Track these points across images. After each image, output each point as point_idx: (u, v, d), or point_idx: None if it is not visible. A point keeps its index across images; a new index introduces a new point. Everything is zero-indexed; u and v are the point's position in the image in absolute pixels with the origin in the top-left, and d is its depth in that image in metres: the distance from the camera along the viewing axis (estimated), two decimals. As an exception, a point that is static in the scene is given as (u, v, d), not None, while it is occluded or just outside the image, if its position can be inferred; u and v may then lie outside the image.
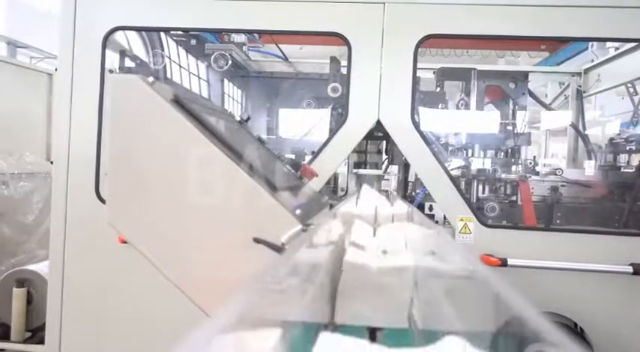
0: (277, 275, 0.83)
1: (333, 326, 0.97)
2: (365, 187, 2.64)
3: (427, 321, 0.99)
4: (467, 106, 3.84)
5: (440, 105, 3.94)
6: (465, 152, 3.89)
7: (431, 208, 3.34)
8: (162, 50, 3.80)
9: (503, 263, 2.64)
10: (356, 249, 1.16)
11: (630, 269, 2.62)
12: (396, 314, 1.03)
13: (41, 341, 3.17)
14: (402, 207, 1.90)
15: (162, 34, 3.77)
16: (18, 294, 3.55)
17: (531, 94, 4.25)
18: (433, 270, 1.12)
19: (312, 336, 0.73)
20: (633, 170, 3.63)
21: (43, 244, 4.29)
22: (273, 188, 1.48)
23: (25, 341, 3.62)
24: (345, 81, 2.84)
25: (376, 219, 1.60)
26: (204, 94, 4.55)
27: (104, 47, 2.86)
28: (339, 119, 3.17)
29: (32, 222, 4.57)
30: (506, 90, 3.91)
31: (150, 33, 3.68)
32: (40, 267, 3.70)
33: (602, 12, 2.67)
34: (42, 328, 3.19)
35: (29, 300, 3.63)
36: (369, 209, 1.68)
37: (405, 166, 3.72)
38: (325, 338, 0.72)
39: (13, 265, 4.10)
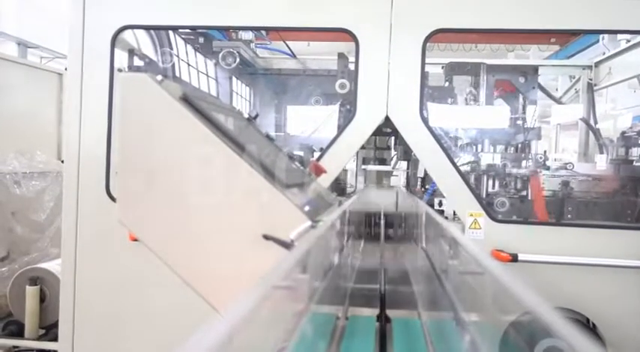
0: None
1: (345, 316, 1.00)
2: None
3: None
4: (476, 100, 3.81)
5: (449, 101, 3.92)
6: (474, 147, 3.86)
7: (440, 204, 3.33)
8: (171, 48, 3.81)
9: (514, 258, 2.62)
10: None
11: (643, 263, 2.59)
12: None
13: (55, 338, 3.20)
14: None
15: (171, 33, 3.78)
16: (31, 292, 3.60)
17: (542, 88, 4.21)
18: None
19: (329, 323, 0.74)
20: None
21: (55, 242, 4.33)
22: (282, 185, 1.48)
23: (39, 338, 3.66)
24: (353, 77, 2.83)
25: None
26: (213, 92, 4.57)
27: (113, 46, 2.87)
28: (348, 115, 3.17)
29: (44, 221, 4.61)
30: (516, 84, 3.88)
31: (158, 31, 3.69)
32: (53, 265, 3.74)
33: (612, 3, 2.64)
34: (55, 325, 3.22)
35: (42, 298, 3.67)
36: None
37: (414, 162, 3.71)
38: None
39: (26, 263, 4.15)
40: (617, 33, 4.10)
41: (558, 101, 4.81)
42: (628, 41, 4.22)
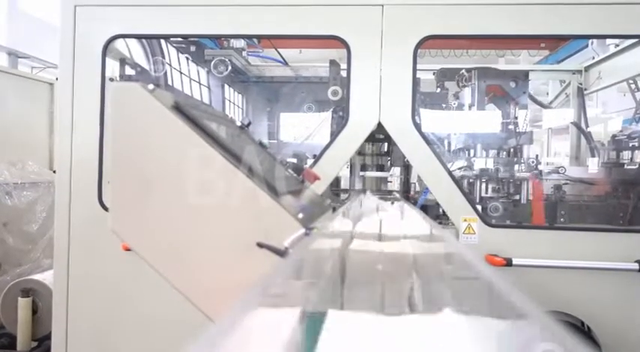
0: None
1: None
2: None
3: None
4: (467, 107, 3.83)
5: (441, 106, 3.93)
6: (467, 152, 3.88)
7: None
8: (162, 57, 3.81)
9: (508, 263, 2.63)
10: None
11: (636, 266, 2.60)
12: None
13: (47, 351, 3.17)
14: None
15: (162, 41, 3.78)
16: (23, 304, 3.56)
17: (530, 96, 4.24)
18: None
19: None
20: (637, 166, 3.62)
21: (47, 253, 4.30)
22: (275, 192, 1.47)
23: (31, 350, 3.62)
24: (346, 84, 2.84)
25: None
26: (205, 100, 4.56)
27: (104, 55, 2.87)
28: (340, 122, 3.17)
29: (36, 232, 4.58)
30: (507, 89, 3.90)
31: (150, 40, 3.69)
32: (45, 277, 3.71)
33: (601, 9, 2.67)
34: (48, 337, 3.19)
35: (34, 310, 3.63)
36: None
37: (407, 167, 3.71)
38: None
39: (18, 275, 4.10)
40: (606, 38, 4.15)
41: (547, 108, 4.84)
42: (617, 46, 4.26)
